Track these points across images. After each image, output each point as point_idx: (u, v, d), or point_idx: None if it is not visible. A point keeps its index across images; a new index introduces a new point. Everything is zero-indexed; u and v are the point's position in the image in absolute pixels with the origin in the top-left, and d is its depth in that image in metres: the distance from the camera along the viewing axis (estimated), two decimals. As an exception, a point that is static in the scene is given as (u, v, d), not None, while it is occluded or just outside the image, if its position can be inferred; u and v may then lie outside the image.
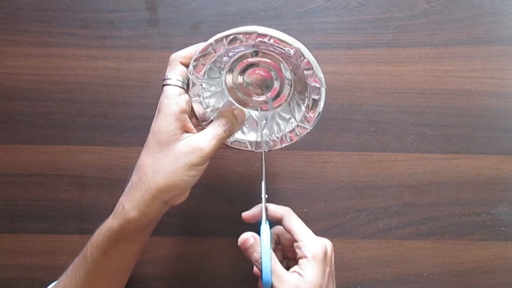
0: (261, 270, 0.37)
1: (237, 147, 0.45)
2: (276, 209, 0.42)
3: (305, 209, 0.52)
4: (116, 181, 0.51)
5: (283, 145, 0.44)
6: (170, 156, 0.37)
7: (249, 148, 0.45)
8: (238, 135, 0.45)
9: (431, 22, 0.54)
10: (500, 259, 0.52)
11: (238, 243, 0.39)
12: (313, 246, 0.38)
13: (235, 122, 0.41)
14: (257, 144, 0.45)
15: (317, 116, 0.41)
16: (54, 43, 0.52)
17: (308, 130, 0.43)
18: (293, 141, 0.44)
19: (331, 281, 0.39)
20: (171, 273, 0.51)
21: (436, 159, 0.53)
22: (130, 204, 0.37)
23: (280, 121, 0.45)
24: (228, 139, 0.44)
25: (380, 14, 0.54)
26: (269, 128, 0.45)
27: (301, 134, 0.43)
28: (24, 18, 0.53)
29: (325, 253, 0.38)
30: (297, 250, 0.38)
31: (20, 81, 0.52)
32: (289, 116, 0.44)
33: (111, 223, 0.37)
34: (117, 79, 0.52)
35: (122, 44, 0.53)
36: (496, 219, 0.52)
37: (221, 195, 0.52)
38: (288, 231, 0.41)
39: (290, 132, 0.44)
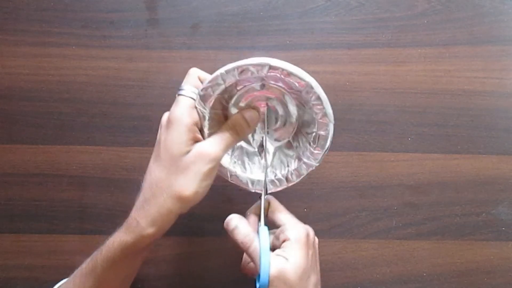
0: (259, 271, 0.36)
1: (237, 183, 0.43)
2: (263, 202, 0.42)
3: (305, 209, 0.52)
4: (116, 181, 0.51)
5: (290, 185, 0.42)
6: (182, 168, 0.36)
7: (250, 187, 0.43)
8: (239, 173, 0.43)
9: (431, 22, 0.54)
10: (500, 259, 0.52)
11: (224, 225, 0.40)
12: (296, 229, 0.39)
13: (245, 126, 0.40)
14: (259, 182, 0.43)
15: (324, 152, 0.40)
16: (54, 43, 0.52)
17: (314, 167, 0.41)
18: (299, 179, 0.42)
19: (314, 264, 0.39)
20: (172, 273, 0.51)
21: (436, 159, 0.53)
22: (145, 219, 0.36)
23: (283, 158, 0.43)
24: (228, 174, 0.43)
25: (380, 14, 0.54)
26: (273, 165, 0.44)
27: (307, 170, 0.41)
28: (24, 18, 0.53)
29: (307, 236, 0.39)
30: (281, 235, 0.39)
31: (20, 81, 0.52)
32: (293, 153, 0.43)
33: (124, 238, 0.37)
34: (117, 79, 0.52)
35: (122, 44, 0.53)
36: (496, 219, 0.52)
37: (221, 195, 0.52)
38: (271, 217, 0.42)
39: (295, 169, 0.42)
